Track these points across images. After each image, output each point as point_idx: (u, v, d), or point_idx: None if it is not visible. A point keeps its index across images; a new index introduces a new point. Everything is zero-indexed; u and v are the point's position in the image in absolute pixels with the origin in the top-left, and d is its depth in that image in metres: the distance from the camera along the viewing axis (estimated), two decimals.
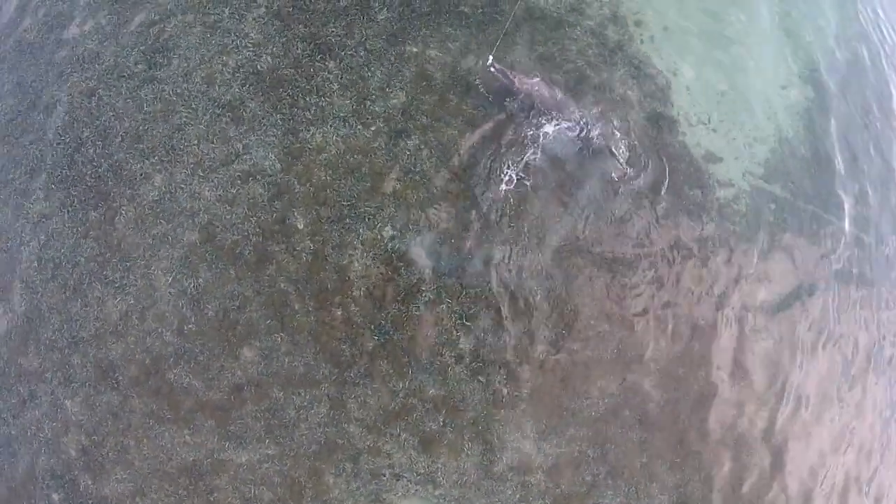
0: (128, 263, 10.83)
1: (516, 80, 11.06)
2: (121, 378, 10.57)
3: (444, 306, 10.10)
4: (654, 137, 11.24)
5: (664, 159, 11.07)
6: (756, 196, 11.68)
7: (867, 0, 14.51)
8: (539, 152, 10.90)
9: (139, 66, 12.10)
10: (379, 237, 10.31)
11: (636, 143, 11.17)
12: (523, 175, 10.73)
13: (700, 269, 10.88)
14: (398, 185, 10.50)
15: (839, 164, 12.57)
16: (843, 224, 12.10)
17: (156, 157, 11.21)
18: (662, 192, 10.85)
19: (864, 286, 11.95)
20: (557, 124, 11.06)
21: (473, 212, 10.46)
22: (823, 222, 11.89)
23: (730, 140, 11.95)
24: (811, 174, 12.24)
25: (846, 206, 12.24)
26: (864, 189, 12.59)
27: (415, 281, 10.16)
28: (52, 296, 11.11)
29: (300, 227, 10.42)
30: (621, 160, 11.06)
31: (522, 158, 10.82)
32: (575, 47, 11.71)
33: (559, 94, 11.33)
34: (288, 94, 11.17)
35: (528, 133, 10.99)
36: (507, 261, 10.31)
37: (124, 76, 12.09)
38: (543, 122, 11.00)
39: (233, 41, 11.82)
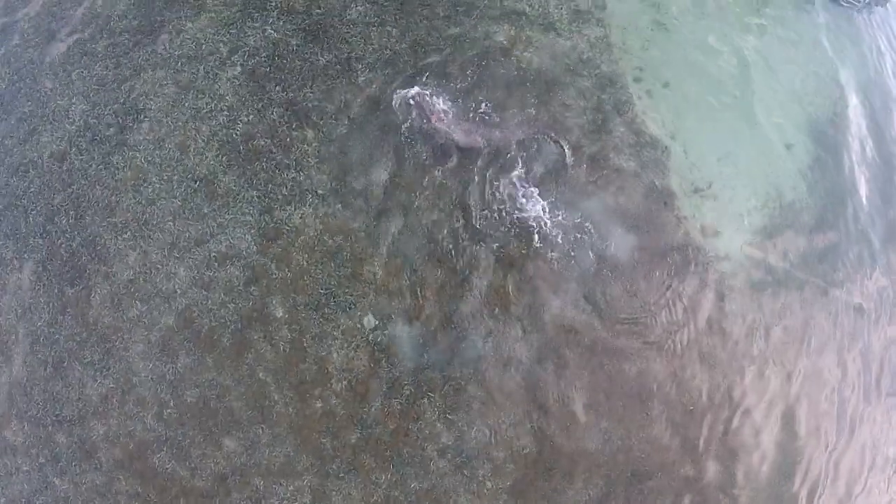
0: (106, 345, 9.91)
1: (433, 118, 9.80)
2: (105, 460, 9.83)
3: (427, 400, 9.19)
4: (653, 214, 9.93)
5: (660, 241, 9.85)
6: (753, 269, 10.49)
7: (875, 49, 12.76)
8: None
9: (111, 130, 10.75)
10: (359, 327, 9.28)
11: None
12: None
13: (694, 353, 9.84)
14: (379, 272, 9.36)
15: (843, 226, 11.28)
16: (842, 293, 10.93)
17: (129, 233, 10.07)
18: (657, 277, 9.68)
19: (865, 356, 10.91)
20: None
21: (458, 301, 9.36)
22: (823, 293, 10.71)
23: (729, 209, 10.68)
24: (811, 242, 10.98)
25: (847, 273, 11.03)
26: (869, 253, 11.31)
27: (397, 374, 9.19)
28: (32, 371, 10.24)
29: (278, 315, 9.40)
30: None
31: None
32: (570, 113, 10.24)
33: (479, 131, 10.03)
34: (263, 168, 9.91)
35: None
36: (491, 352, 9.30)
37: (96, 140, 10.76)
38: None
39: (206, 104, 10.43)
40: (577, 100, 10.44)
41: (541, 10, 10.93)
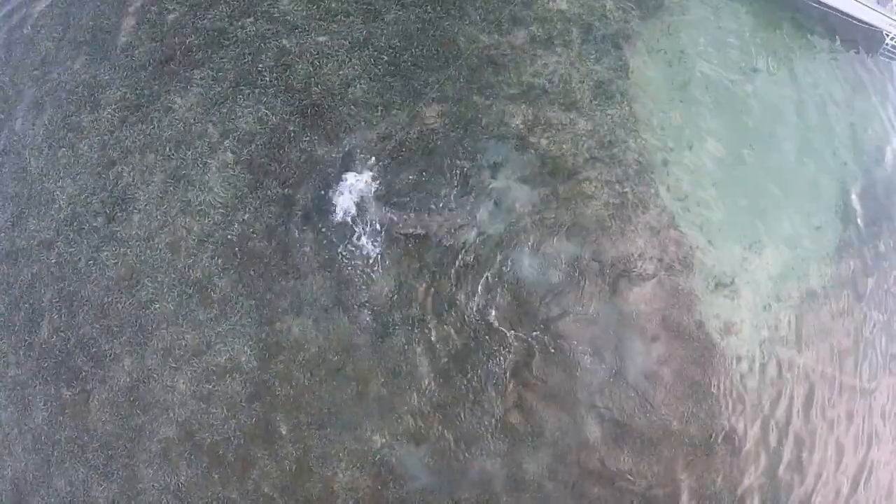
0: (109, 451, 9.05)
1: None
2: None
3: None
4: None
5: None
6: (773, 367, 9.37)
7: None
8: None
9: (98, 220, 9.46)
10: (366, 448, 8.31)
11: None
12: None
13: (711, 461, 8.84)
14: (385, 391, 8.29)
15: (869, 316, 10.00)
16: (867, 389, 9.77)
17: (124, 338, 9.02)
18: (674, 387, 8.56)
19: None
20: None
21: (470, 420, 8.32)
22: (848, 390, 9.55)
23: (750, 304, 9.45)
24: (833, 333, 9.76)
25: (874, 370, 9.84)
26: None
27: (404, 495, 8.31)
28: (36, 468, 9.44)
29: (283, 432, 8.46)
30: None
31: None
32: (590, 210, 8.81)
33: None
34: (261, 275, 8.68)
35: None
36: (501, 471, 8.36)
37: (83, 230, 9.49)
38: None
39: (197, 197, 9.06)
40: (600, 190, 9.00)
41: (562, 86, 9.28)
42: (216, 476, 8.78)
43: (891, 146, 11.23)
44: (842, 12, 11.56)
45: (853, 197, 10.58)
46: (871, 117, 11.34)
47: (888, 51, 11.77)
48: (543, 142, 9.12)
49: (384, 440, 8.47)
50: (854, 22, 11.61)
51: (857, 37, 11.66)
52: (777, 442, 9.32)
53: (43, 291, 9.56)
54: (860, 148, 11.01)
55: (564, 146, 9.07)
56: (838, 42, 11.63)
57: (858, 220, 10.52)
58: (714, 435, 9.04)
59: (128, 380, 8.98)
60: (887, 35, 11.60)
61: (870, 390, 9.94)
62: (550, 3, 9.78)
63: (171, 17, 10.51)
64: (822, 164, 10.54)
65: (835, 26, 11.58)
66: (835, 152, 10.78)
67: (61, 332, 9.41)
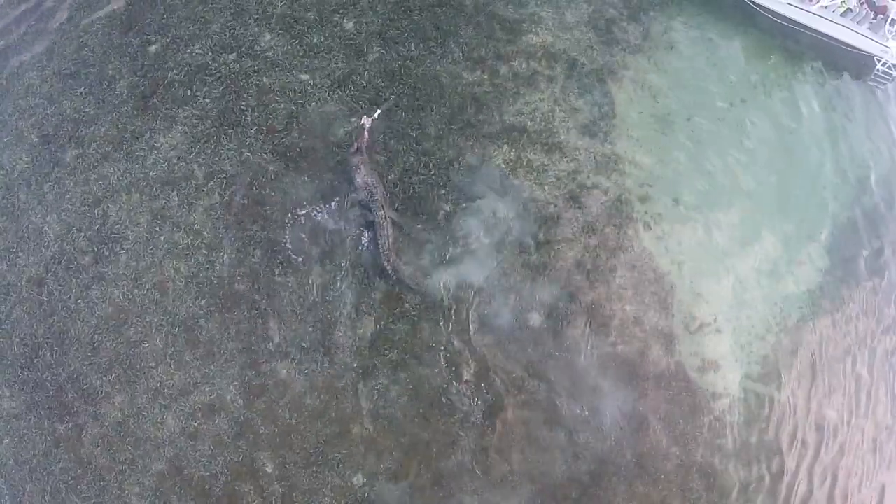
0: (102, 483, 9.21)
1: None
2: None
3: None
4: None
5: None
6: (752, 404, 9.40)
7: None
8: None
9: (86, 258, 9.47)
10: (349, 485, 8.44)
11: None
12: None
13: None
14: (367, 431, 8.39)
15: (851, 351, 9.98)
16: (856, 422, 9.75)
17: (114, 375, 9.12)
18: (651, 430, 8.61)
19: None
20: None
21: (449, 459, 8.43)
22: (833, 427, 9.55)
23: (731, 342, 9.47)
24: (817, 368, 9.76)
25: (856, 401, 9.85)
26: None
27: None
28: (32, 498, 9.61)
29: (268, 470, 8.56)
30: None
31: None
32: (571, 252, 8.75)
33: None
34: (246, 317, 8.71)
35: None
36: None
37: (71, 268, 9.52)
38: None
39: (182, 239, 9.03)
40: (580, 231, 8.93)
41: (544, 124, 9.13)
42: None
43: (879, 175, 11.08)
44: (833, 39, 11.30)
45: (838, 229, 10.50)
46: (861, 146, 11.17)
47: (878, 76, 11.53)
48: (525, 183, 9.05)
49: (366, 478, 8.64)
50: (845, 48, 11.36)
51: (848, 63, 11.42)
52: (761, 480, 9.40)
53: (35, 327, 9.66)
54: (847, 178, 10.87)
55: (546, 187, 8.99)
56: (829, 69, 11.39)
57: (843, 253, 10.46)
58: (692, 472, 9.18)
59: (119, 416, 9.15)
60: (878, 61, 11.35)
61: (856, 426, 10.00)
62: (535, 37, 9.58)
63: (152, 48, 10.38)
64: (808, 195, 10.43)
65: (825, 53, 11.33)
66: (822, 183, 10.66)
67: (52, 367, 9.53)
